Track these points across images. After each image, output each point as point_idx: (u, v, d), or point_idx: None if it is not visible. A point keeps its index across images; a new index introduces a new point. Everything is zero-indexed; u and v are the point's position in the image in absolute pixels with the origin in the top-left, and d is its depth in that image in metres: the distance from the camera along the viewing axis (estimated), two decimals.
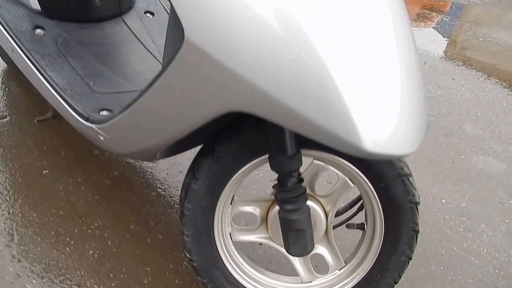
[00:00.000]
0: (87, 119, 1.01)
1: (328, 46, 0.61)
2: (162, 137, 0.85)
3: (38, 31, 1.20)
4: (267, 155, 0.87)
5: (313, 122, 0.63)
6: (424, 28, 3.23)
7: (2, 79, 1.78)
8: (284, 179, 0.85)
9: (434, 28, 3.28)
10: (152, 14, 1.40)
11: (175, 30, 0.72)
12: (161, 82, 0.76)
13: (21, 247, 1.13)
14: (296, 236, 0.87)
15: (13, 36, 1.15)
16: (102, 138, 1.01)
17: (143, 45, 1.29)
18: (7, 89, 1.74)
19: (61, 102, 1.07)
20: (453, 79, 2.49)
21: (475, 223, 1.48)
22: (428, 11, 3.60)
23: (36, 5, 1.22)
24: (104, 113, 1.05)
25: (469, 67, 2.68)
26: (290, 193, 0.84)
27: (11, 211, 1.22)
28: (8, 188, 1.29)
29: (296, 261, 1.02)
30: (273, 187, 0.90)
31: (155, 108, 0.81)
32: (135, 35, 1.31)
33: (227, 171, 0.89)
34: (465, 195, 1.59)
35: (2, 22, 1.17)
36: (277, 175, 0.87)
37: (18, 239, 1.15)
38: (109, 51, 1.24)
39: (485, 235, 1.44)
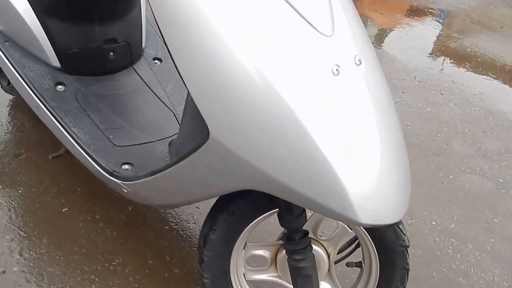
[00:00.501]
0: (111, 174, 1.13)
1: (324, 137, 0.74)
2: (185, 199, 0.97)
3: (59, 87, 1.31)
4: (276, 210, 0.99)
5: (316, 201, 0.76)
6: (411, 39, 3.35)
7: (10, 113, 1.88)
8: (292, 233, 0.97)
9: (421, 37, 3.41)
10: (160, 60, 1.51)
11: (197, 124, 0.84)
12: (184, 164, 0.88)
13: (51, 287, 1.25)
14: (304, 280, 1.00)
15: (37, 94, 1.26)
16: (125, 191, 1.12)
17: (154, 94, 1.40)
18: (18, 124, 1.83)
19: (86, 157, 1.18)
20: (441, 94, 2.62)
21: (462, 244, 1.61)
22: (414, 19, 3.72)
23: (56, 63, 1.32)
24: (126, 166, 1.17)
25: (456, 80, 2.82)
26: (297, 246, 0.97)
27: (38, 251, 1.34)
28: (33, 228, 1.40)
29: None
30: (281, 239, 1.03)
31: (179, 179, 0.93)
32: (146, 84, 1.42)
33: (241, 223, 1.01)
34: (454, 216, 1.73)
35: (27, 81, 1.27)
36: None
37: (48, 279, 1.26)
38: (124, 102, 1.35)
39: (472, 256, 1.58)
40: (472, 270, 1.52)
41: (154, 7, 0.80)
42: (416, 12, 3.91)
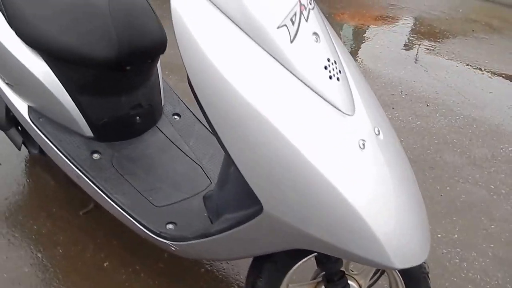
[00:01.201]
0: (159, 235, 1.26)
1: (361, 202, 0.88)
2: (233, 256, 1.11)
3: (95, 155, 1.43)
4: (314, 254, 1.14)
5: (356, 254, 0.91)
6: (392, 51, 3.55)
7: (32, 172, 1.98)
8: (331, 276, 1.12)
9: (402, 49, 3.62)
10: (179, 115, 1.64)
11: (244, 195, 0.97)
12: (234, 232, 1.02)
13: None
14: None
15: (77, 165, 1.38)
16: (173, 249, 1.26)
17: (180, 149, 1.53)
18: (44, 183, 1.95)
19: (132, 221, 1.31)
20: (427, 105, 2.82)
21: (467, 252, 1.79)
22: (390, 29, 3.93)
23: (89, 133, 1.44)
24: (170, 226, 1.29)
25: (438, 90, 3.02)
26: (337, 286, 1.12)
27: None
28: (80, 287, 1.52)
29: None
30: (316, 277, 1.18)
31: (229, 243, 1.07)
32: (171, 141, 1.56)
33: (284, 269, 1.16)
34: (456, 227, 1.91)
35: (65, 154, 1.39)
36: None
37: None
38: (155, 162, 1.48)
39: (476, 263, 1.76)
40: (478, 276, 1.70)
41: (198, 90, 0.89)
42: (389, 21, 4.12)
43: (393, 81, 3.06)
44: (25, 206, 1.81)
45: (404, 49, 3.63)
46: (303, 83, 0.87)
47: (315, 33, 0.90)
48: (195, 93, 0.91)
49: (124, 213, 1.32)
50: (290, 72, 0.86)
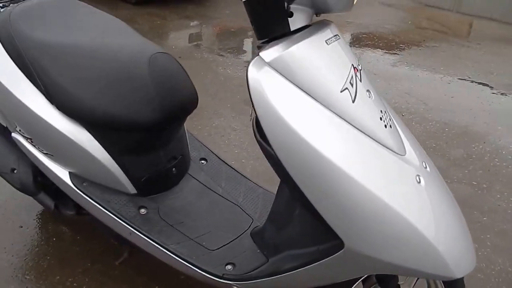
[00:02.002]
0: (221, 277, 1.33)
1: (425, 226, 1.03)
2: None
3: (142, 210, 1.50)
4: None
5: (425, 272, 1.04)
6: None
7: (53, 230, 2.03)
8: None
9: (368, 62, 3.92)
10: (206, 160, 1.75)
11: (315, 234, 1.12)
12: (309, 268, 1.15)
13: None
14: None
15: (128, 222, 1.43)
16: (235, 287, 1.38)
17: (215, 192, 1.64)
18: (77, 237, 2.00)
19: (192, 268, 1.36)
20: (403, 115, 3.10)
21: None
22: (349, 45, 4.24)
23: (132, 190, 1.51)
24: (229, 267, 1.34)
25: (408, 99, 3.32)
26: None
27: None
28: None
29: None
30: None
31: (299, 277, 1.19)
32: (204, 185, 1.67)
33: None
34: None
35: (115, 213, 1.44)
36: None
37: None
38: (197, 208, 1.58)
39: (480, 253, 2.00)
40: (484, 264, 1.94)
41: (278, 150, 1.03)
42: (348, 37, 4.43)
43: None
44: (58, 266, 1.85)
45: (367, 63, 3.93)
46: (366, 135, 1.04)
47: (368, 90, 1.09)
48: (267, 148, 1.07)
49: (183, 262, 1.38)
50: (355, 127, 1.03)
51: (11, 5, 1.57)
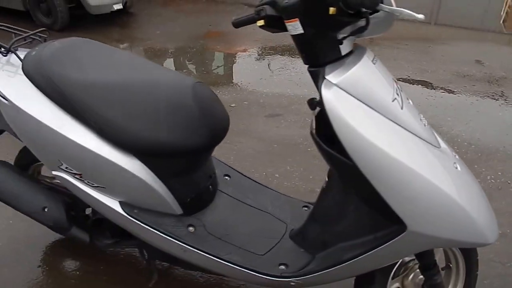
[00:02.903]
0: (280, 276, 1.42)
1: (467, 203, 1.23)
2: (357, 273, 1.41)
3: (191, 228, 1.54)
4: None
5: (465, 241, 1.26)
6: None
7: (77, 263, 1.97)
8: (427, 266, 1.44)
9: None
10: (229, 176, 1.82)
11: (369, 224, 1.29)
12: (369, 254, 1.28)
13: None
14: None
15: (182, 241, 1.46)
16: (293, 284, 1.46)
17: (246, 204, 1.70)
18: (100, 267, 1.95)
19: (250, 273, 1.43)
20: None
21: None
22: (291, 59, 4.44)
23: (179, 210, 1.53)
24: (282, 267, 1.46)
25: None
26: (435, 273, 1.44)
27: None
28: None
29: None
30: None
31: (360, 263, 1.33)
32: (235, 199, 1.73)
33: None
34: None
35: (169, 234, 1.47)
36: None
37: None
38: (236, 220, 1.60)
39: None
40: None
41: (358, 160, 1.19)
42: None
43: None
44: None
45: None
46: (415, 134, 1.23)
47: (407, 98, 1.29)
48: (338, 157, 1.23)
49: (241, 269, 1.45)
50: (407, 130, 1.23)
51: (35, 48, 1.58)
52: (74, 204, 1.67)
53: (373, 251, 1.30)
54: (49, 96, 1.48)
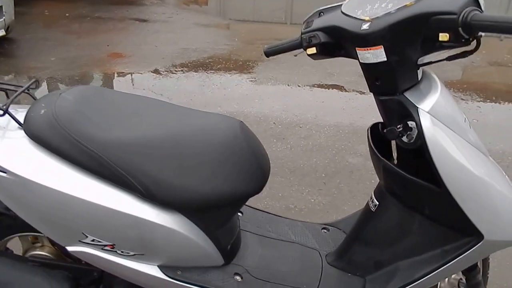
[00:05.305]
0: None
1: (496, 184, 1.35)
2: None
3: (237, 278, 1.49)
4: None
5: None
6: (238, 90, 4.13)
7: None
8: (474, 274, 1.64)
9: (236, 85, 4.26)
10: (241, 212, 1.80)
11: (444, 235, 1.41)
12: (448, 266, 1.42)
13: None
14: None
15: None
16: None
17: (270, 238, 1.71)
18: None
19: None
20: (300, 127, 3.56)
21: None
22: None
23: (221, 261, 1.47)
24: None
25: (292, 113, 3.80)
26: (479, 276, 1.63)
27: None
28: None
29: None
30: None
31: (425, 282, 1.47)
32: (258, 235, 1.72)
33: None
34: None
35: None
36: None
37: None
38: (270, 257, 1.60)
39: None
40: None
41: (445, 174, 1.24)
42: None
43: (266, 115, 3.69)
44: None
45: (235, 85, 4.29)
46: (479, 150, 1.36)
47: (466, 117, 1.45)
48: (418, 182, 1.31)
49: None
50: (475, 147, 1.35)
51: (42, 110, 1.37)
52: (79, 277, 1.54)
53: (449, 264, 1.38)
54: (73, 162, 1.32)
